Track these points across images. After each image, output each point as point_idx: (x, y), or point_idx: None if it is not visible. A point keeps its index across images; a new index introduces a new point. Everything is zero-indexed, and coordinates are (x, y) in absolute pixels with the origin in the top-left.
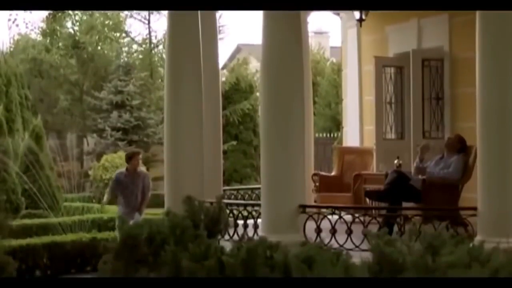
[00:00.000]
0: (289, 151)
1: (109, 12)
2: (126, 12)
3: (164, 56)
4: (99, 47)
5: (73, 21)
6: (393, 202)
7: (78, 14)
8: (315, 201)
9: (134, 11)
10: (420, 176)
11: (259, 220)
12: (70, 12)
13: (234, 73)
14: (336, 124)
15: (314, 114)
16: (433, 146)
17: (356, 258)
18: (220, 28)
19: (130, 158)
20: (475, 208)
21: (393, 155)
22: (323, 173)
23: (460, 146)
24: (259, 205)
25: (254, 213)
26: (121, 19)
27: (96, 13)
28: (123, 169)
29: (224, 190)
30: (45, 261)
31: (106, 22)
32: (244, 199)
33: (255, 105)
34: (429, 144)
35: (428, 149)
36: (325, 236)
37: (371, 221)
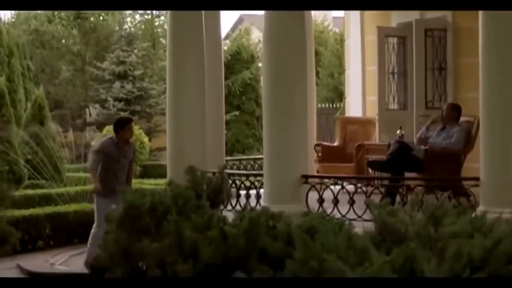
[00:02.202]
0: (292, 121)
1: None
2: None
3: (166, 26)
4: (101, 18)
5: None
6: (395, 172)
7: None
8: (317, 171)
9: None
10: (422, 147)
11: (261, 190)
12: None
13: (236, 43)
14: (338, 94)
15: (317, 84)
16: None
17: (359, 228)
18: None
19: (122, 126)
20: (477, 178)
21: (395, 125)
22: (325, 143)
23: (457, 114)
24: (261, 175)
25: (256, 183)
26: None
27: None
28: (107, 139)
29: (227, 161)
30: (47, 231)
31: None
32: (246, 169)
33: (257, 75)
34: (437, 118)
35: (436, 123)
36: (328, 206)
37: (373, 191)
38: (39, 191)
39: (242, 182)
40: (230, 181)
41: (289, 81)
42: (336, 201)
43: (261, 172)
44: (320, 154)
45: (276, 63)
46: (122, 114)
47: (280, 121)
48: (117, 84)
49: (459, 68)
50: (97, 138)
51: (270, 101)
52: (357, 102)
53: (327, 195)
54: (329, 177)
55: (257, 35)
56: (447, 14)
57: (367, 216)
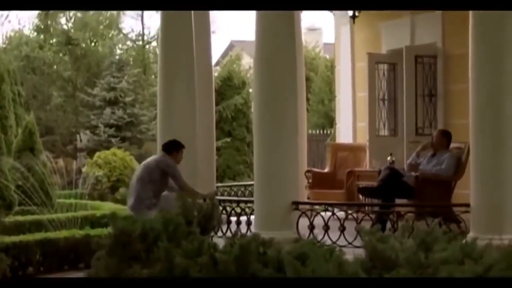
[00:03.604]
0: (282, 148)
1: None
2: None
3: (157, 52)
4: (92, 44)
5: (67, 18)
6: (386, 199)
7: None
8: (308, 198)
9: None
10: (413, 173)
11: (252, 217)
12: None
13: (227, 68)
14: (329, 120)
15: (307, 110)
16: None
17: (349, 254)
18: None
19: (177, 149)
20: (468, 205)
21: (386, 151)
22: (316, 169)
23: (447, 140)
24: (252, 201)
25: (247, 209)
26: (114, 16)
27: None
28: (167, 156)
29: (217, 187)
30: (38, 257)
31: (100, 19)
32: (237, 196)
33: (248, 101)
34: (428, 144)
35: (426, 149)
36: (318, 232)
37: (364, 218)
38: (29, 217)
39: (233, 209)
40: (221, 208)
41: (280, 107)
42: (326, 228)
43: (251, 198)
44: (310, 181)
45: (267, 89)
46: (113, 140)
47: (271, 147)
48: (108, 110)
49: (449, 94)
50: (88, 165)
51: (260, 127)
52: (347, 128)
53: (318, 221)
54: (319, 204)
55: (247, 61)
56: (437, 41)
57: (357, 242)
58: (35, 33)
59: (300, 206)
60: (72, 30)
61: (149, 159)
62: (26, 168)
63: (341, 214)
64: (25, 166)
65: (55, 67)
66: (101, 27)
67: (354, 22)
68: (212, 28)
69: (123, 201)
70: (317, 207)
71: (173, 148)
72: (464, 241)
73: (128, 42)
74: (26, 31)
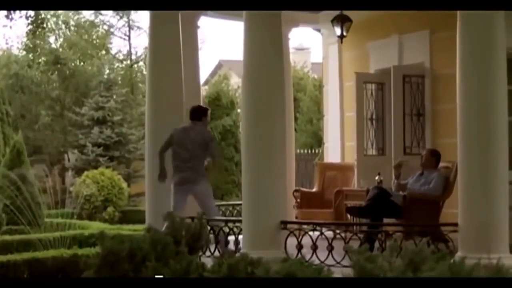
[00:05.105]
0: (270, 167)
1: (91, 28)
2: (105, 27)
3: (144, 71)
4: (81, 63)
5: (56, 37)
6: (374, 218)
7: (61, 29)
8: (296, 217)
9: (114, 28)
10: (401, 192)
11: (240, 236)
12: (54, 27)
13: (215, 88)
14: (317, 140)
15: (296, 130)
16: (410, 164)
17: (338, 274)
18: (200, 40)
19: (205, 113)
20: (456, 224)
21: (374, 171)
22: (304, 189)
23: (436, 159)
24: (240, 221)
25: (235, 229)
26: (102, 36)
27: (79, 31)
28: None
29: None
30: (25, 277)
31: (91, 40)
32: (225, 215)
33: (237, 121)
34: (402, 161)
35: (401, 166)
36: (306, 252)
37: (352, 237)
38: (17, 236)
39: (221, 228)
40: (209, 227)
41: (268, 127)
42: (314, 247)
43: (239, 218)
44: (299, 200)
45: (255, 108)
46: (101, 159)
47: (259, 166)
48: (96, 129)
49: (437, 114)
50: (77, 182)
51: (248, 147)
52: (335, 148)
53: (306, 241)
54: (307, 223)
55: (236, 81)
56: (425, 61)
57: (346, 262)
58: (24, 52)
59: (288, 226)
60: (61, 50)
61: (193, 136)
62: (15, 187)
63: (329, 233)
64: (14, 185)
65: (43, 86)
66: (90, 46)
67: (342, 41)
68: (199, 46)
69: (111, 220)
70: (305, 226)
71: (201, 114)
72: (452, 261)
73: (115, 62)
74: (15, 50)
